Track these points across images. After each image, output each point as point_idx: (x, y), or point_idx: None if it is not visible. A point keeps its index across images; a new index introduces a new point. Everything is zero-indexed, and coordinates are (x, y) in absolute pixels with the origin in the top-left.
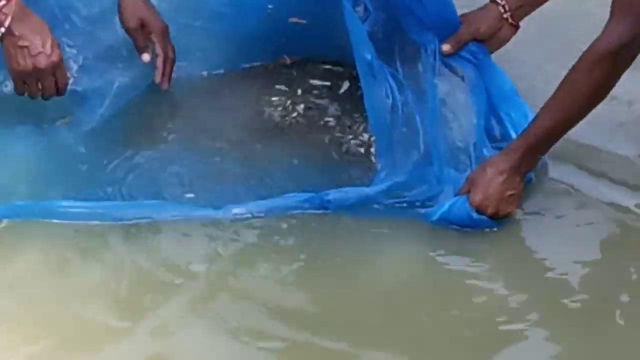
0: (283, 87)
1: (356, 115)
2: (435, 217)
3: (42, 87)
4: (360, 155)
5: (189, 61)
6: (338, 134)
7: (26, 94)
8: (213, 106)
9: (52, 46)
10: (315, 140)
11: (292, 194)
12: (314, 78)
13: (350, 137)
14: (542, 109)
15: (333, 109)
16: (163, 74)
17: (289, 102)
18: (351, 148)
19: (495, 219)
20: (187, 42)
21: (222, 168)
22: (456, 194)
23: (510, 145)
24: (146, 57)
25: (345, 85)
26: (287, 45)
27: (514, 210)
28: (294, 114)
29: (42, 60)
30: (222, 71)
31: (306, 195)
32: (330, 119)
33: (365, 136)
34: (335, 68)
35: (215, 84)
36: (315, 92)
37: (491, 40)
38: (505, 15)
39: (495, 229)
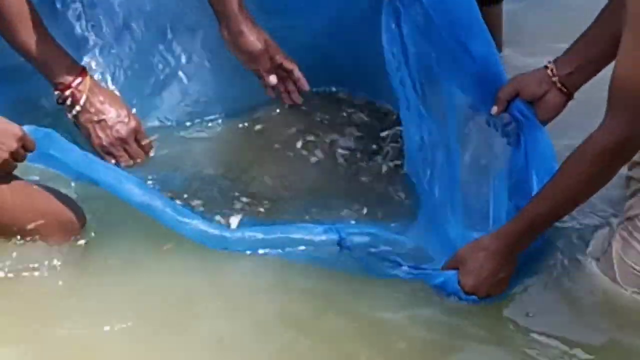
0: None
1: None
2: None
3: (129, 154)
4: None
5: None
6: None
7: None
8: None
9: (128, 114)
10: (353, 175)
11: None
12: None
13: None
14: (537, 194)
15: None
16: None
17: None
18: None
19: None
20: None
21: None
22: (443, 267)
23: (502, 229)
24: (274, 78)
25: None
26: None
27: (504, 289)
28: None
29: (121, 130)
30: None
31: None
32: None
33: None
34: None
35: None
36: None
37: (539, 104)
38: (553, 79)
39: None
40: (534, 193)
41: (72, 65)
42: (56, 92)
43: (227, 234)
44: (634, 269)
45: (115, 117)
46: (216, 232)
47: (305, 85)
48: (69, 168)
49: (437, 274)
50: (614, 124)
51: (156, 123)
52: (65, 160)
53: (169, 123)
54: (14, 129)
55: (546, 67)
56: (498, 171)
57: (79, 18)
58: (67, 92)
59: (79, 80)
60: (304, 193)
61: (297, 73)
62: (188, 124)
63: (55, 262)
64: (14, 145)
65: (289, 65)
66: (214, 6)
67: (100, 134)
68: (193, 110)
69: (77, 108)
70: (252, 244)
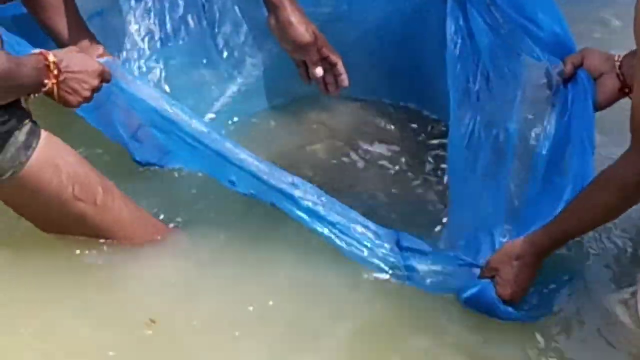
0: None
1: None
2: (464, 298)
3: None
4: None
5: None
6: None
7: None
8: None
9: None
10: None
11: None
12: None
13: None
14: (563, 210)
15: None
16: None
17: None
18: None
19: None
20: None
21: None
22: (481, 275)
23: (535, 237)
24: (320, 70)
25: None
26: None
27: (527, 291)
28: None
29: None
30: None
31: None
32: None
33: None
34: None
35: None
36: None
37: (597, 83)
38: (616, 63)
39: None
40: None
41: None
42: None
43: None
44: None
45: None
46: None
47: (345, 81)
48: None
49: (474, 282)
50: (636, 158)
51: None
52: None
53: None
54: (94, 65)
55: (617, 54)
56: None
57: (132, 12)
58: None
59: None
60: (347, 196)
61: (341, 68)
62: (235, 119)
63: None
64: (95, 82)
65: (335, 58)
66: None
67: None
68: (237, 106)
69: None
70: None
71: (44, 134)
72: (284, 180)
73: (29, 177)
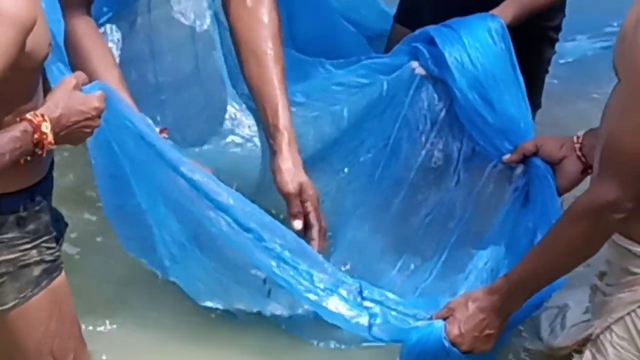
0: None
1: None
2: (413, 340)
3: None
4: None
5: None
6: None
7: None
8: None
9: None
10: None
11: None
12: None
13: None
14: (527, 253)
15: None
16: (319, 245)
17: None
18: None
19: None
20: None
21: None
22: (433, 317)
23: (494, 284)
24: (299, 224)
25: None
26: None
27: (490, 348)
28: None
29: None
30: None
31: None
32: None
33: None
34: None
35: None
36: None
37: (557, 169)
38: (575, 146)
39: None
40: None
41: None
42: None
43: None
44: None
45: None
46: None
47: (316, 246)
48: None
49: (427, 323)
50: (603, 188)
51: None
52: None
53: None
54: (92, 103)
55: (576, 136)
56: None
57: None
58: None
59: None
60: None
61: (315, 233)
62: None
63: None
64: (97, 122)
65: (313, 220)
66: (267, 138)
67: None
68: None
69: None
70: None
71: (56, 280)
72: None
73: (22, 314)
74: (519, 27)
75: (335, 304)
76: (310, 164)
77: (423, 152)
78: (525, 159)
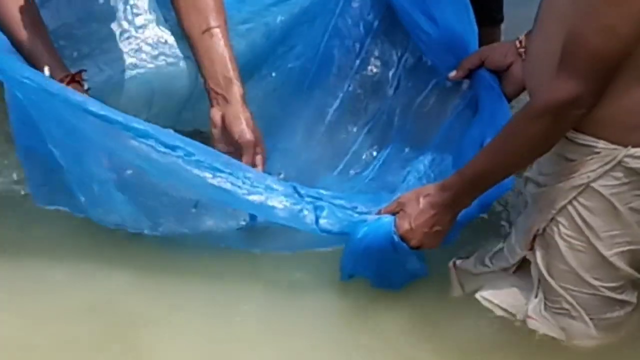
0: None
1: None
2: (360, 234)
3: None
4: None
5: None
6: None
7: None
8: None
9: None
10: None
11: None
12: None
13: None
14: (480, 150)
15: None
16: None
17: None
18: None
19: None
20: None
21: None
22: (382, 211)
23: (446, 180)
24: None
25: None
26: None
27: (437, 244)
28: None
29: None
30: None
31: None
32: None
33: None
34: None
35: None
36: None
37: (505, 76)
38: (520, 50)
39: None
40: None
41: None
42: None
43: None
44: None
45: None
46: None
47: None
48: None
49: (374, 217)
50: (561, 85)
51: None
52: None
53: None
54: None
55: (517, 39)
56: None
57: None
58: None
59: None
60: None
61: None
62: None
63: None
64: None
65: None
66: (212, 89)
67: None
68: None
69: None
70: None
71: None
72: None
73: None
74: None
75: (279, 201)
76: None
77: (358, 60)
78: (471, 73)
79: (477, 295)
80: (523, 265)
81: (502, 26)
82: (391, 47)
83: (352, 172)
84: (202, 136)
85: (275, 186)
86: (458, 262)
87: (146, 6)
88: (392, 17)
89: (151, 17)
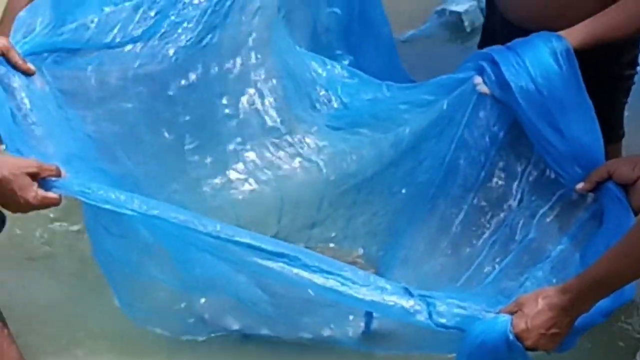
0: None
1: None
2: (477, 330)
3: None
4: None
5: None
6: None
7: None
8: None
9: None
10: None
11: None
12: None
13: None
14: (603, 255)
15: None
16: None
17: None
18: None
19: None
20: None
21: None
22: (500, 311)
23: (567, 283)
24: None
25: None
26: None
27: (553, 347)
28: None
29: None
30: None
31: None
32: None
33: None
34: None
35: None
36: None
37: (632, 189)
38: None
39: None
40: None
41: None
42: None
43: None
44: None
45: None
46: None
47: None
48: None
49: (492, 316)
50: None
51: None
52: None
53: None
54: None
55: None
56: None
57: None
58: None
59: None
60: None
61: None
62: None
63: None
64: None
65: None
66: None
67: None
68: None
69: None
70: None
71: None
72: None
73: None
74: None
75: (391, 298)
76: (368, 185)
77: (483, 172)
78: (598, 186)
79: None
80: None
81: (624, 142)
82: (515, 159)
83: (474, 284)
84: None
85: (386, 286)
86: None
87: None
88: (517, 129)
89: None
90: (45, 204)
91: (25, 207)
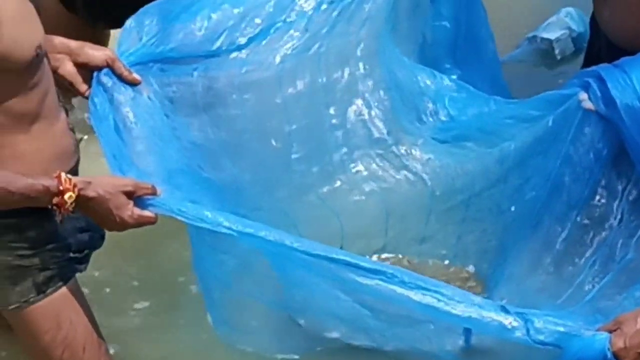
0: None
1: None
2: (575, 348)
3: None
4: None
5: None
6: None
7: None
8: None
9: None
10: None
11: None
12: None
13: None
14: None
15: None
16: None
17: None
18: None
19: None
20: None
21: None
22: (599, 329)
23: None
24: None
25: None
26: None
27: None
28: None
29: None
30: None
31: None
32: None
33: None
34: None
35: None
36: None
37: None
38: None
39: None
40: None
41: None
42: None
43: None
44: None
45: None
46: None
47: None
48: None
49: (591, 333)
50: None
51: None
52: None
53: None
54: (127, 215)
55: None
56: None
57: None
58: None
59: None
60: None
61: None
62: None
63: None
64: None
65: None
66: None
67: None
68: None
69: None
70: None
71: (64, 289)
72: None
73: (27, 318)
74: None
75: (488, 315)
76: (476, 202)
77: (586, 190)
78: None
79: None
80: None
81: None
82: (616, 178)
83: (573, 302)
84: None
85: (483, 303)
86: None
87: None
88: (619, 147)
89: None
90: (141, 223)
91: (121, 225)
